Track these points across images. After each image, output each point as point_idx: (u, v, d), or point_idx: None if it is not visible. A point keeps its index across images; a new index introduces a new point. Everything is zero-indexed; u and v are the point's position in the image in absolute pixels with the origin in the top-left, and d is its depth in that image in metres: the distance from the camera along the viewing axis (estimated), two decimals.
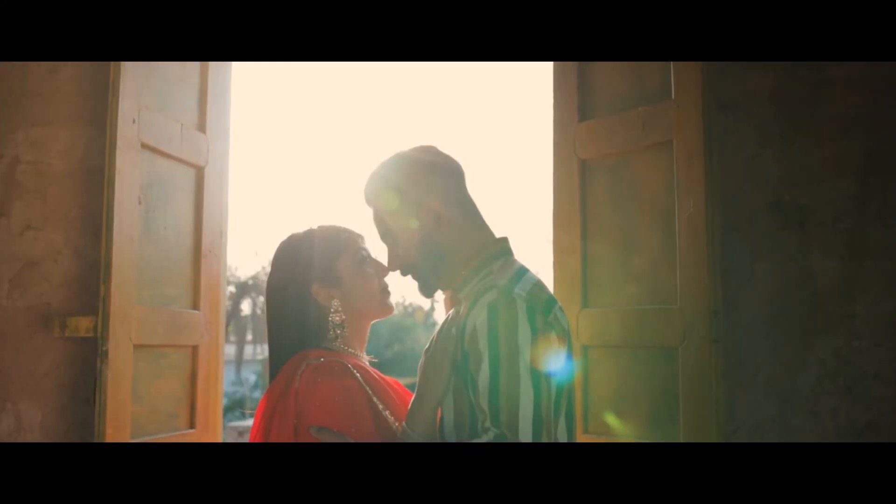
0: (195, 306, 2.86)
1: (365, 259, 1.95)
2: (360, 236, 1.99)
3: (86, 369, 2.88)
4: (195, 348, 2.83)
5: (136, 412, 2.56)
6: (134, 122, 2.52)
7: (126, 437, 2.46)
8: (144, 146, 2.59)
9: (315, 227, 1.98)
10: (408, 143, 1.89)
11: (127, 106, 2.49)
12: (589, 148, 2.67)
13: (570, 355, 1.78)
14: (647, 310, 2.48)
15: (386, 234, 1.87)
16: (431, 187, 1.83)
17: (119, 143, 2.43)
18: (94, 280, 2.87)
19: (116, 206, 2.42)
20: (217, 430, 2.89)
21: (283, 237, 1.98)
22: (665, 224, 2.46)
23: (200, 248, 2.85)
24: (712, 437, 2.26)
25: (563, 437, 1.72)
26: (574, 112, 2.71)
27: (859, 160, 2.51)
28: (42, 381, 2.93)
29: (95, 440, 2.35)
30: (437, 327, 1.84)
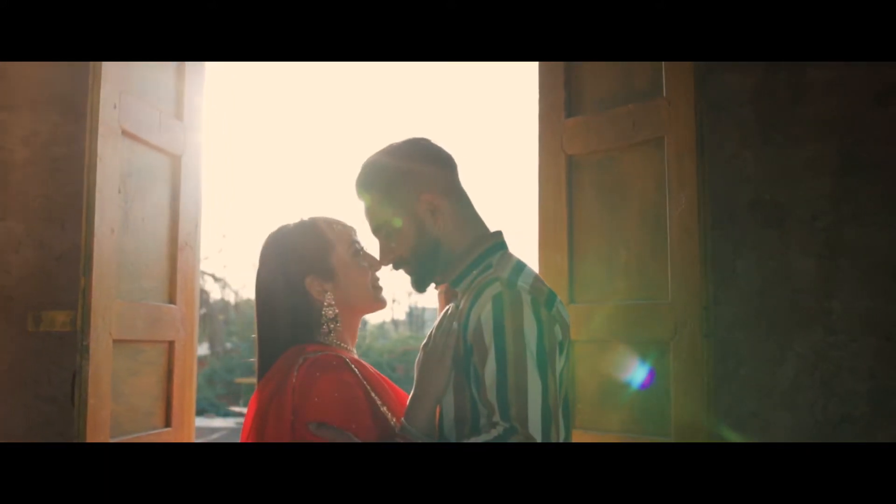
0: (171, 300, 2.76)
1: (359, 252, 1.90)
2: (352, 228, 1.95)
3: (51, 366, 2.76)
4: (171, 344, 2.73)
5: (113, 410, 2.45)
6: (115, 107, 2.41)
7: (105, 436, 2.36)
8: (125, 133, 2.48)
9: (306, 218, 1.92)
10: (386, 137, 1.86)
11: (108, 90, 2.38)
12: (576, 144, 2.68)
13: (570, 349, 1.78)
14: (638, 305, 2.50)
15: (379, 228, 1.84)
16: (426, 179, 1.80)
17: (101, 130, 2.32)
18: (60, 272, 2.76)
19: (98, 195, 2.31)
20: (191, 429, 2.80)
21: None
22: (655, 220, 2.49)
23: (177, 240, 2.75)
24: (703, 430, 2.30)
25: (562, 431, 1.71)
26: (561, 108, 2.72)
27: (835, 161, 2.58)
28: (1, 379, 2.79)
29: (75, 440, 2.24)
30: (435, 322, 1.81)
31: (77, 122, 2.75)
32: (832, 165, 2.58)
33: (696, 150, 2.37)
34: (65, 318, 2.57)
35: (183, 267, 2.79)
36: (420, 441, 1.67)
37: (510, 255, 1.83)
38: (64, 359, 2.73)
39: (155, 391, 2.67)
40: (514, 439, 1.57)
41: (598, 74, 2.67)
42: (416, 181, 1.79)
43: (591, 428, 2.56)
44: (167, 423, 2.71)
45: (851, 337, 2.53)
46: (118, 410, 2.48)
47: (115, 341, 2.44)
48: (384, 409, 1.79)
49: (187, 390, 2.79)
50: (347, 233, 1.91)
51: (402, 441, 1.68)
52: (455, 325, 1.71)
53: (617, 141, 2.57)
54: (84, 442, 2.21)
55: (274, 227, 1.93)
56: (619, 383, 2.54)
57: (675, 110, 2.42)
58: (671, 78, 2.44)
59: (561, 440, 1.67)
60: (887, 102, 2.55)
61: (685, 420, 2.34)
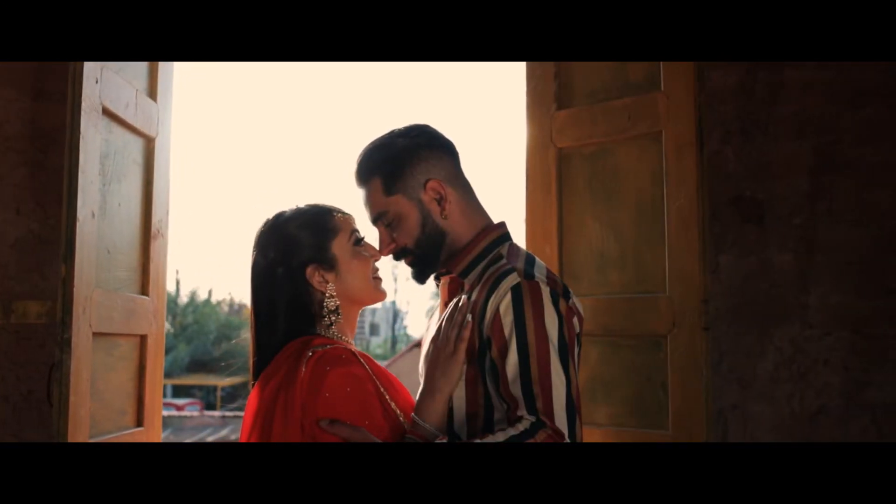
0: (144, 292, 2.57)
1: (361, 241, 1.83)
2: (352, 216, 1.87)
3: (5, 362, 2.54)
4: (144, 338, 2.55)
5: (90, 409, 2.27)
6: (97, 82, 2.22)
7: (84, 436, 2.17)
8: (105, 111, 2.29)
9: (303, 205, 1.83)
10: (371, 129, 1.80)
11: (91, 64, 2.19)
12: (567, 136, 2.66)
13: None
14: (633, 298, 2.50)
15: (380, 217, 1.78)
16: (432, 166, 1.76)
17: (84, 106, 2.13)
18: (16, 260, 2.54)
19: (81, 177, 2.12)
20: (160, 429, 2.62)
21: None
22: (651, 213, 2.48)
23: (150, 227, 2.56)
24: (702, 424, 2.32)
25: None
26: (551, 100, 2.69)
27: (811, 160, 2.66)
28: None
29: (56, 440, 2.05)
30: (444, 314, 1.76)
31: (35, 97, 2.55)
32: (807, 164, 2.66)
33: (696, 145, 2.39)
34: (41, 308, 2.36)
35: (155, 257, 2.61)
36: (434, 436, 1.62)
37: (518, 247, 1.81)
38: (19, 354, 2.52)
39: (128, 388, 2.48)
40: (542, 433, 1.54)
41: (590, 66, 2.65)
42: (422, 168, 1.75)
43: (586, 423, 2.54)
44: (139, 423, 2.53)
45: (825, 331, 2.61)
46: (93, 408, 2.30)
47: (94, 334, 2.25)
48: (393, 404, 1.72)
49: (157, 388, 2.61)
50: (348, 221, 1.83)
51: (416, 437, 1.63)
52: (469, 317, 1.67)
53: (611, 134, 2.56)
54: (66, 442, 2.03)
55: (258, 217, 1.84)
56: (611, 376, 2.54)
57: (675, 105, 2.43)
58: (669, 71, 2.45)
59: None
60: (860, 104, 2.64)
61: (684, 414, 2.36)
